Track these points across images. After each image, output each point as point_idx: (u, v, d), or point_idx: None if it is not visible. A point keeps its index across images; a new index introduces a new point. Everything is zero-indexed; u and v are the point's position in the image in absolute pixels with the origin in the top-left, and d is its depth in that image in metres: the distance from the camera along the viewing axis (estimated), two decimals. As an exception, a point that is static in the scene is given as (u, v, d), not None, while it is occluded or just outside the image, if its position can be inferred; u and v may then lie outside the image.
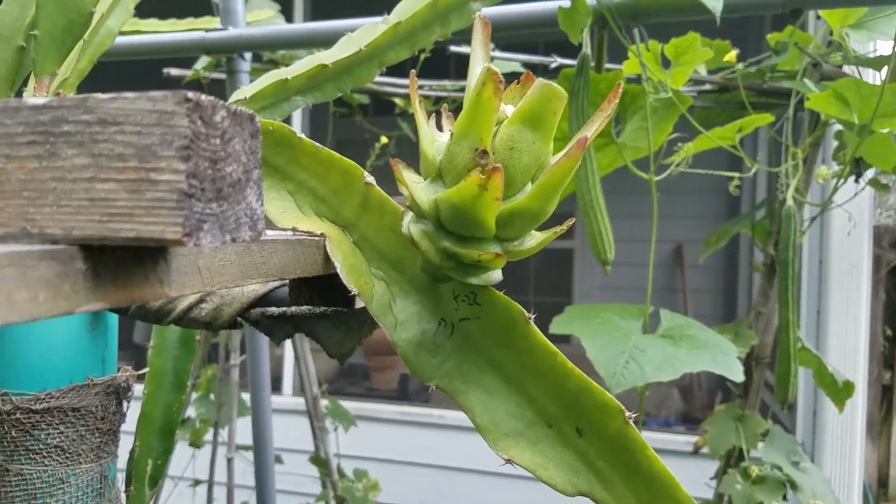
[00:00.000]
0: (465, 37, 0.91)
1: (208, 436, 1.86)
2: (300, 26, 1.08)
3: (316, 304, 0.46)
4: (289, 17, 1.69)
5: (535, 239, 0.37)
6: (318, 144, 0.42)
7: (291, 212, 0.43)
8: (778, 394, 1.28)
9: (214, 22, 1.18)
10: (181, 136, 0.22)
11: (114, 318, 0.65)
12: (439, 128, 0.39)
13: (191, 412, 1.81)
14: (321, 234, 0.41)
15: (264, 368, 1.29)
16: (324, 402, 1.88)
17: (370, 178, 0.41)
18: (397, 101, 1.42)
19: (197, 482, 1.94)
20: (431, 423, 2.63)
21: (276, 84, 0.59)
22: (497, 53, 1.30)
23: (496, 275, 0.38)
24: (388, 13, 0.65)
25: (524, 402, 0.37)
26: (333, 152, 0.42)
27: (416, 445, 2.63)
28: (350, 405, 2.22)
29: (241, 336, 1.70)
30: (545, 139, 0.34)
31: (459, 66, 1.80)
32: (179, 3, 1.62)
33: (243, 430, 1.76)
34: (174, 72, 1.50)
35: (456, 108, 1.54)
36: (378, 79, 1.43)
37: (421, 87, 1.38)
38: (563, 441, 0.36)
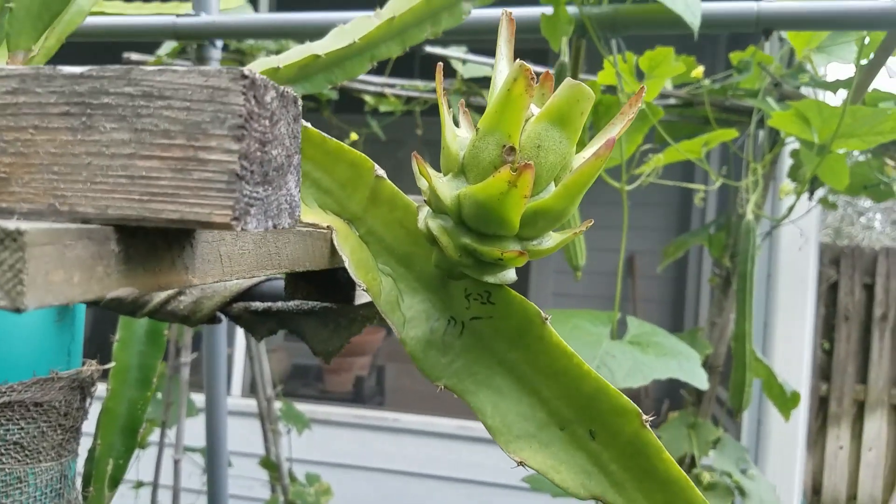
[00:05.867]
0: (446, 38, 0.91)
1: (153, 436, 1.80)
2: (275, 16, 1.06)
3: (314, 298, 0.44)
4: (255, 8, 1.66)
5: (553, 239, 0.36)
6: (325, 134, 0.41)
7: (294, 203, 0.41)
8: (732, 402, 1.31)
9: (183, 7, 1.14)
10: (236, 115, 0.21)
11: (81, 309, 0.62)
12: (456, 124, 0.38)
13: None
14: (327, 226, 0.40)
15: (221, 368, 1.25)
16: (277, 405, 1.84)
17: (381, 172, 0.40)
18: (367, 98, 1.41)
19: (140, 484, 1.87)
20: (386, 426, 2.60)
21: (267, 73, 0.57)
22: (471, 57, 1.30)
23: (512, 274, 0.37)
24: (349, 9, 0.64)
25: (536, 404, 0.36)
26: (342, 143, 0.41)
27: (371, 449, 2.60)
28: (303, 407, 2.18)
29: (192, 332, 1.65)
30: (571, 139, 0.34)
31: (424, 68, 1.79)
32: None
33: (190, 431, 1.70)
34: (135, 57, 1.45)
35: (428, 109, 1.54)
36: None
37: (392, 86, 1.37)
38: (576, 443, 0.36)
